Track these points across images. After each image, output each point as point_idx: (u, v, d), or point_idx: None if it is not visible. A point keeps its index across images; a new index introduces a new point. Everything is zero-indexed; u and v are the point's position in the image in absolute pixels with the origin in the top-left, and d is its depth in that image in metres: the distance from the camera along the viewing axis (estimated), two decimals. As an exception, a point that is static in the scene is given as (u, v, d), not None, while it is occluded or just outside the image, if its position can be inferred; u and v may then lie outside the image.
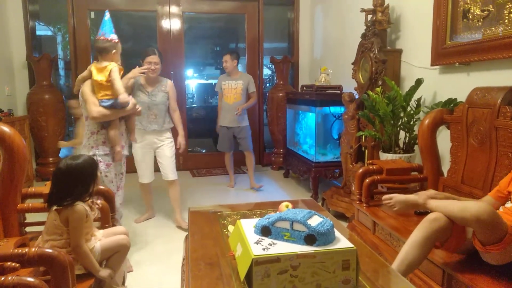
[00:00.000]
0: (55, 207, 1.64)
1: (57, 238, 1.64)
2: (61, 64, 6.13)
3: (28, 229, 2.01)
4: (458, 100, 2.42)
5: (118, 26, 5.95)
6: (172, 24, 5.09)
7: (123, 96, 2.28)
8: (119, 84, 2.27)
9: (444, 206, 1.63)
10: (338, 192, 3.47)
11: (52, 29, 5.92)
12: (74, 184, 1.66)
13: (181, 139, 3.30)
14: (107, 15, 2.34)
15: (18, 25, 4.63)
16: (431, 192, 1.87)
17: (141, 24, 6.01)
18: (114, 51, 2.32)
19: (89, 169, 1.72)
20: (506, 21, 2.13)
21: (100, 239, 1.78)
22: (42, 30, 5.64)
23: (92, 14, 4.97)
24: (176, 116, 3.27)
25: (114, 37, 2.33)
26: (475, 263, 1.61)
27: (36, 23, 4.86)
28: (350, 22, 4.04)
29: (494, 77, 2.26)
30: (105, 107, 2.28)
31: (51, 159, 4.67)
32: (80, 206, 1.65)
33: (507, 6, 2.12)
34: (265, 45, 5.41)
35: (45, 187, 1.89)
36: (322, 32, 4.97)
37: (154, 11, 5.06)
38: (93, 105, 2.27)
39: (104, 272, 1.68)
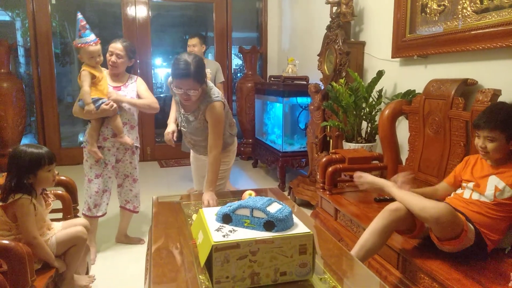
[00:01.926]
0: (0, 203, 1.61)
1: (5, 233, 1.60)
2: (21, 51, 5.86)
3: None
4: (417, 92, 2.52)
5: (83, 14, 5.75)
6: (137, 11, 4.98)
7: (87, 109, 2.33)
8: (84, 91, 2.32)
9: (407, 199, 1.67)
10: (304, 181, 3.54)
11: (10, 14, 5.64)
12: (12, 167, 1.64)
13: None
14: (78, 15, 2.31)
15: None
16: (404, 174, 1.87)
17: (106, 11, 5.83)
18: (78, 55, 2.37)
19: (26, 162, 1.65)
20: (460, 16, 2.23)
21: (58, 231, 1.75)
22: (-1, 15, 5.39)
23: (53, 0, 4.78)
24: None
25: (76, 41, 2.31)
26: (428, 247, 1.70)
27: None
28: (316, 13, 4.09)
29: (449, 69, 2.37)
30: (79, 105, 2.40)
31: (11, 150, 4.49)
32: (24, 199, 1.59)
33: (461, 1, 2.21)
34: (235, 35, 5.39)
35: (1, 178, 1.83)
36: (290, 23, 5.00)
37: (119, -2, 4.93)
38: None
39: (58, 263, 1.69)
